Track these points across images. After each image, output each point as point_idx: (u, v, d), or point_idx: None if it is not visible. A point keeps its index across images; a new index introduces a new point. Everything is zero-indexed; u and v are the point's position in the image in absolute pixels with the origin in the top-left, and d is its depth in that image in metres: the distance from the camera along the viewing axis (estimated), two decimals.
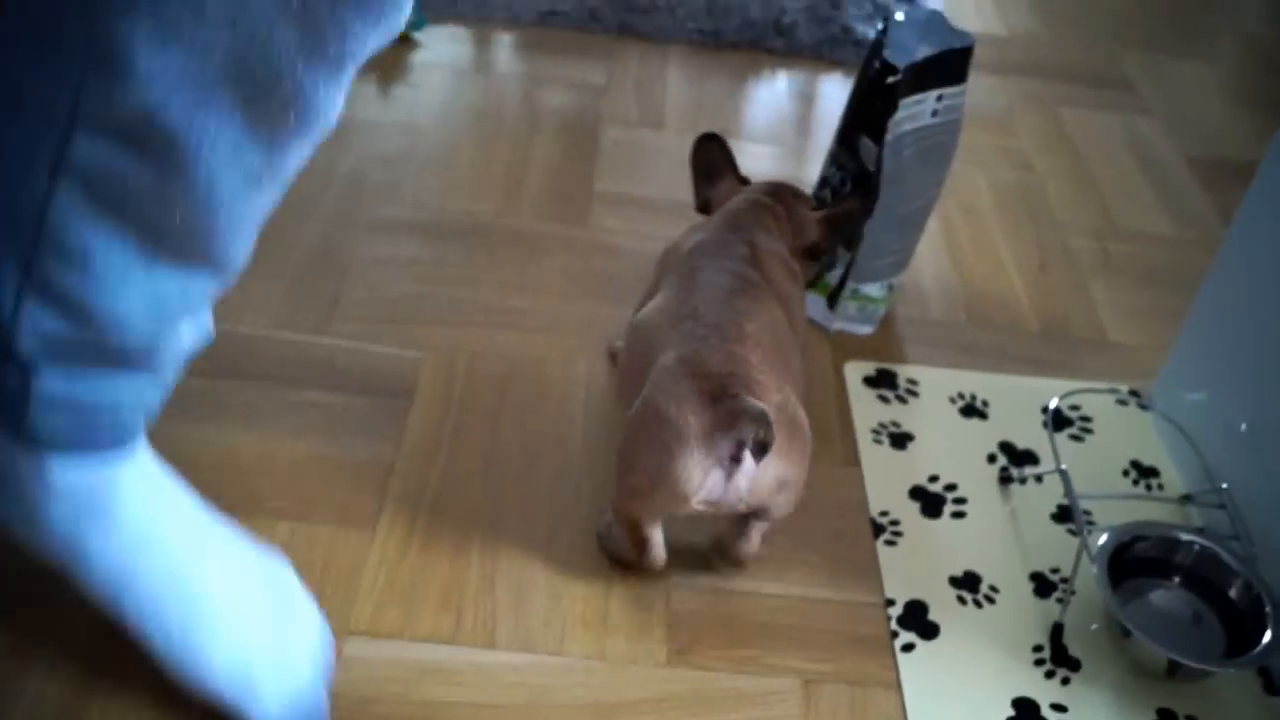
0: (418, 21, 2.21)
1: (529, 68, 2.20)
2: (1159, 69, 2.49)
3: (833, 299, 1.63)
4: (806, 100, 2.22)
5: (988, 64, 2.32)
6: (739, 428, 1.08)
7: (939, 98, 1.52)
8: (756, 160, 1.99)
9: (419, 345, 1.54)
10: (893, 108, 1.48)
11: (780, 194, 1.45)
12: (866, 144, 1.53)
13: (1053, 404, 1.51)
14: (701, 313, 1.21)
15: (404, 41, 2.20)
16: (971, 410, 1.55)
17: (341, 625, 1.18)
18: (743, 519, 1.23)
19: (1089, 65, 2.47)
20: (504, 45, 2.25)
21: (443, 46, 2.22)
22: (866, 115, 1.53)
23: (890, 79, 1.47)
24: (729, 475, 1.12)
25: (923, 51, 1.54)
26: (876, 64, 1.52)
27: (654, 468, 1.13)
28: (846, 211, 1.49)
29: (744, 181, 1.51)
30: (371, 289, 1.63)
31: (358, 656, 1.15)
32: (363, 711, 1.10)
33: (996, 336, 1.70)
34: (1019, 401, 1.57)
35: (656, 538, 1.21)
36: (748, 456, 1.11)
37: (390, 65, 2.13)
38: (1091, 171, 2.11)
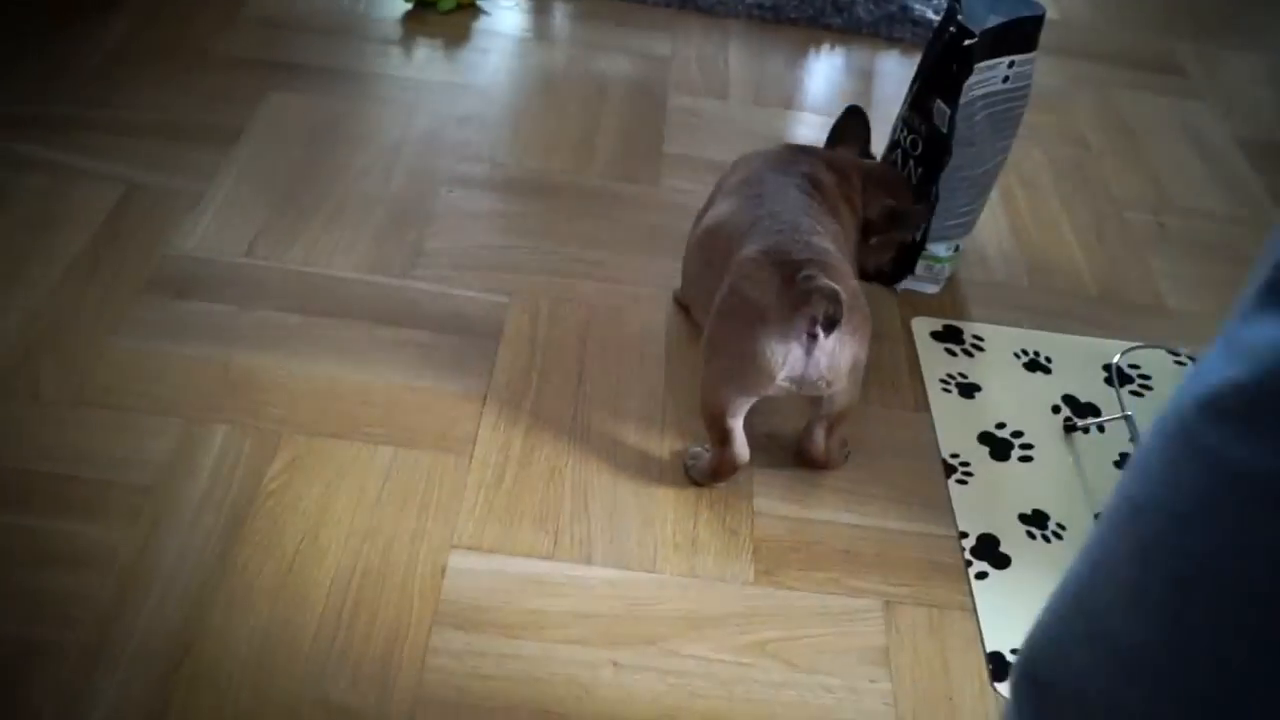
0: None
1: (592, 37, 2.26)
2: (1210, 57, 2.54)
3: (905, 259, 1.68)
4: (864, 76, 2.28)
5: (1043, 45, 2.36)
6: (812, 304, 1.16)
7: (1010, 64, 1.57)
8: (816, 130, 2.05)
9: (502, 290, 1.59)
10: (967, 71, 1.53)
11: (871, 172, 1.51)
12: (940, 107, 1.58)
13: (1115, 359, 1.56)
14: (778, 212, 1.29)
15: (469, 8, 2.26)
16: (1035, 365, 1.60)
17: (445, 540, 1.23)
18: (813, 422, 1.31)
19: (1142, 51, 2.52)
20: (564, 15, 2.30)
21: (503, 15, 2.27)
22: (941, 79, 1.58)
23: (967, 42, 1.52)
24: (808, 351, 1.19)
25: (995, 19, 1.60)
26: (951, 29, 1.57)
27: (739, 349, 1.21)
28: (905, 209, 1.53)
29: (869, 157, 1.57)
30: (454, 238, 1.69)
31: (464, 568, 1.21)
32: (473, 618, 1.16)
33: (1057, 299, 1.75)
34: (1081, 358, 1.62)
35: (739, 433, 1.28)
36: (823, 333, 1.17)
37: (454, 31, 2.19)
38: (1145, 151, 2.16)
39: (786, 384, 1.20)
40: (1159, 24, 2.64)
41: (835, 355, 1.19)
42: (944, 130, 1.58)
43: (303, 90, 1.96)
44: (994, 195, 1.88)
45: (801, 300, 1.16)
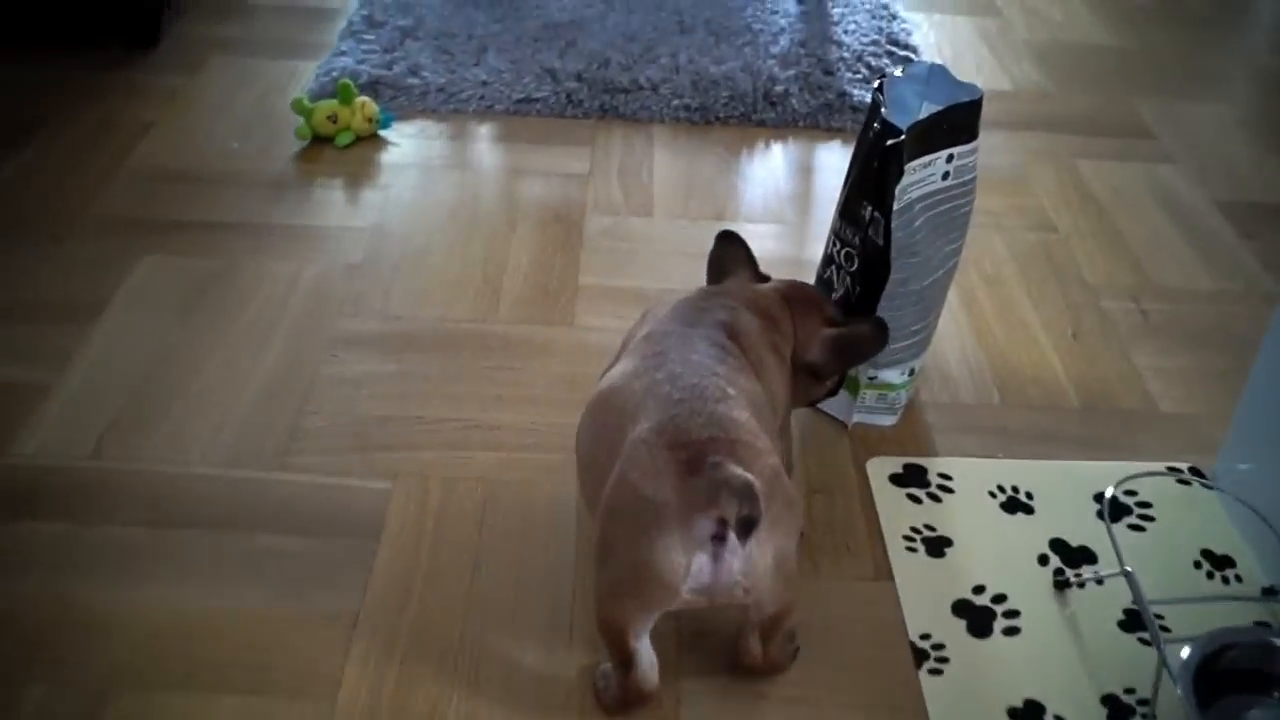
0: (384, 119, 2.08)
1: (506, 159, 2.06)
2: (1175, 114, 2.34)
3: (848, 387, 1.46)
4: (805, 173, 2.07)
5: (995, 120, 2.16)
6: (720, 502, 0.93)
7: (949, 158, 1.36)
8: (755, 241, 1.83)
9: (387, 474, 1.37)
10: (898, 174, 1.32)
11: (792, 298, 1.30)
12: (872, 214, 1.37)
13: (1108, 492, 1.33)
14: (679, 374, 1.07)
15: (371, 140, 2.06)
16: (1015, 505, 1.37)
17: None
18: (745, 628, 1.09)
19: (1102, 115, 2.32)
20: (479, 138, 2.11)
21: (412, 143, 2.08)
22: (869, 184, 1.37)
23: (891, 141, 1.31)
24: (716, 558, 0.96)
25: (930, 107, 1.39)
26: (876, 126, 1.36)
27: (632, 557, 0.98)
28: (856, 336, 1.32)
29: (762, 279, 1.36)
30: (334, 414, 1.47)
31: None
32: None
33: (1035, 416, 1.52)
34: (1068, 490, 1.39)
35: (646, 653, 1.05)
36: (733, 535, 0.94)
37: (352, 168, 1.99)
38: (1118, 226, 1.95)
39: (694, 598, 0.97)
40: (1117, 83, 2.45)
41: (752, 559, 0.97)
42: (879, 241, 1.36)
43: (181, 251, 1.76)
44: (953, 297, 1.67)
45: (707, 497, 0.95)
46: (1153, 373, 1.62)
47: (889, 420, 1.49)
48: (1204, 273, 1.85)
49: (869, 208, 1.37)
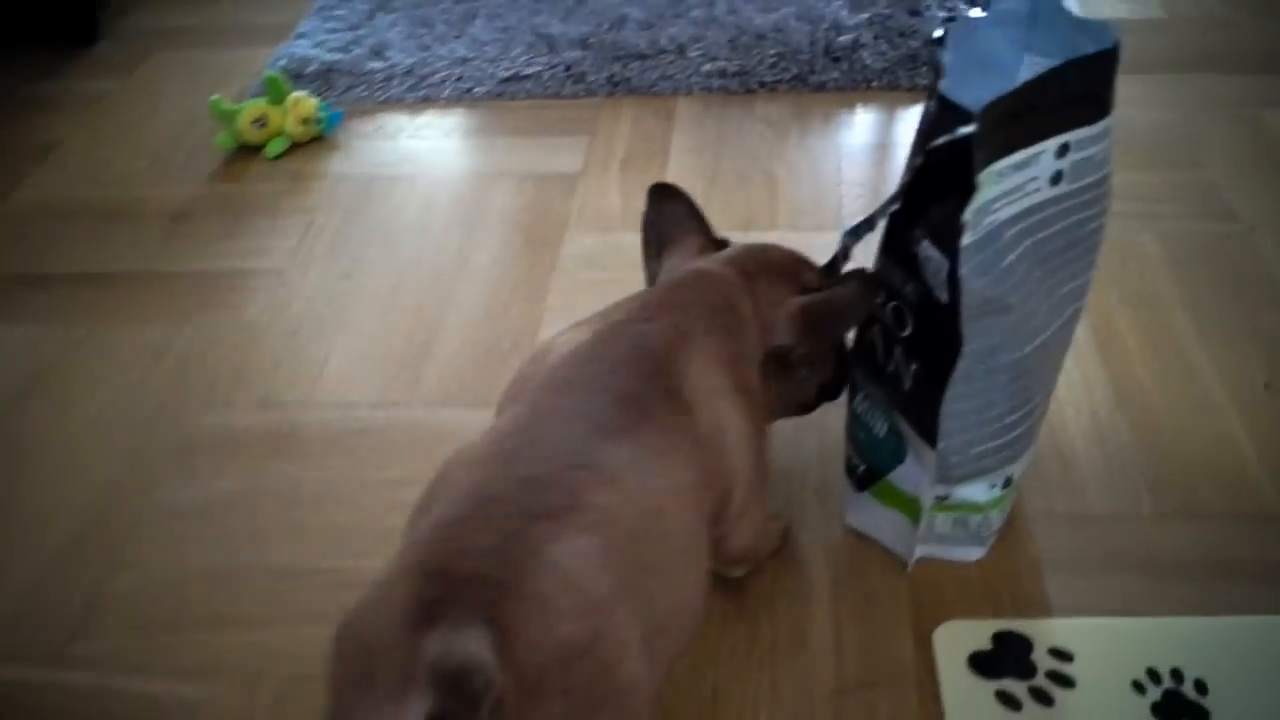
0: (328, 119, 1.60)
1: (477, 161, 1.57)
2: None
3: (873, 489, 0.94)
4: (880, 153, 1.52)
5: (1144, 61, 1.58)
6: (419, 680, 0.58)
7: (1062, 149, 0.82)
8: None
9: (201, 670, 0.91)
10: (967, 186, 0.78)
11: (752, 271, 0.90)
12: (927, 254, 0.83)
13: None
14: (523, 454, 0.71)
15: (311, 146, 1.60)
16: (1178, 706, 0.83)
17: None
18: None
19: None
20: (448, 133, 1.62)
21: (362, 148, 1.60)
22: (920, 203, 0.84)
23: (950, 136, 0.78)
24: None
25: (1031, 67, 0.85)
26: (931, 105, 0.83)
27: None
28: (831, 302, 0.89)
29: (719, 245, 0.95)
30: (154, 568, 1.02)
31: None
32: None
33: (1211, 533, 0.98)
34: (1272, 675, 0.84)
35: None
36: None
37: (284, 185, 1.54)
38: None
39: None
40: None
41: None
42: (940, 296, 0.83)
43: (36, 315, 1.34)
44: (1080, 334, 1.12)
45: (413, 667, 0.59)
46: None
47: (974, 553, 0.96)
48: None
49: (923, 240, 0.83)
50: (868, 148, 1.53)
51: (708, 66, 1.65)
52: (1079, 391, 1.11)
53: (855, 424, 0.97)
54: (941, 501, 0.92)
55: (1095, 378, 1.13)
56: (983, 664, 0.88)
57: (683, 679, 0.88)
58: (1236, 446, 1.05)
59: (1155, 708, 0.84)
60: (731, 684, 0.88)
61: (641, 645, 0.65)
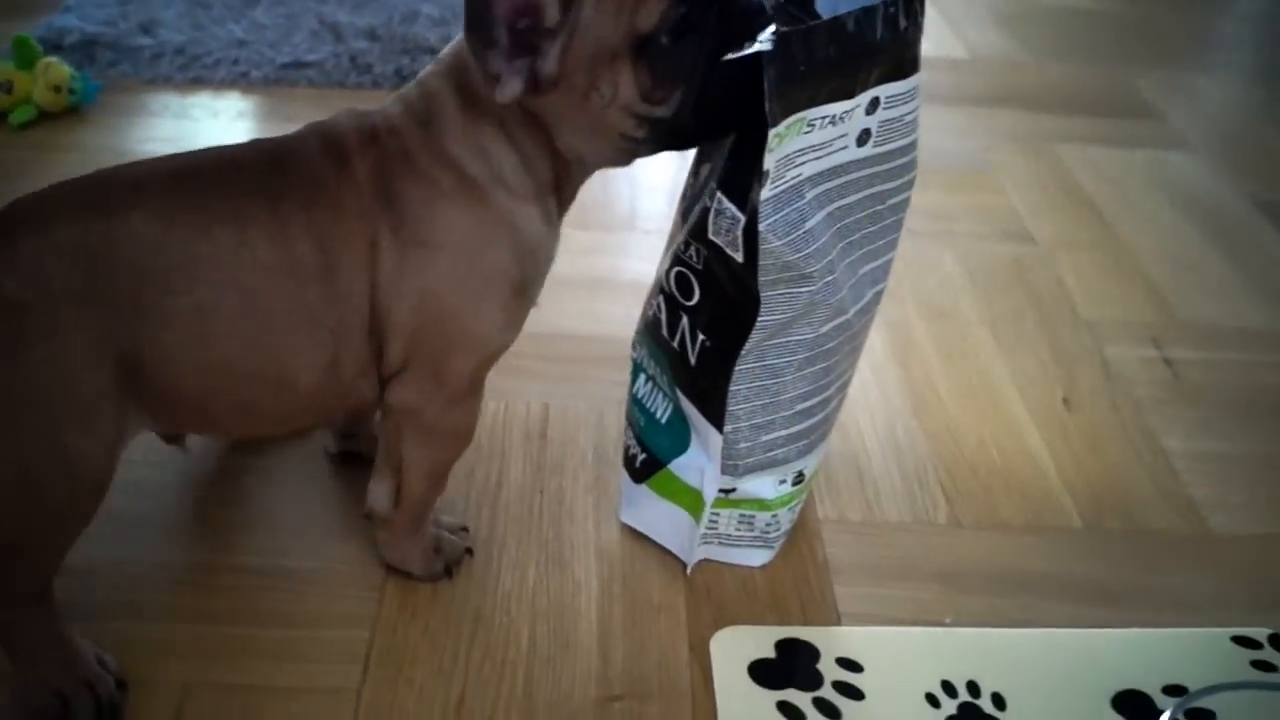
0: (84, 89, 1.45)
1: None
2: (1184, 87, 1.75)
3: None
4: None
5: (947, 94, 1.57)
6: None
7: (872, 104, 0.75)
8: (573, 255, 1.23)
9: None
10: (763, 124, 0.70)
11: None
12: (722, 205, 0.75)
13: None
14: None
15: (63, 118, 1.44)
16: (974, 718, 0.76)
17: None
18: None
19: (1089, 90, 1.72)
20: (219, 115, 1.49)
21: (121, 125, 1.45)
22: (717, 153, 0.76)
23: (750, 48, 0.70)
24: None
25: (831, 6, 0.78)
26: (714, 19, 0.76)
27: None
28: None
29: None
30: None
31: None
32: None
33: (1007, 546, 0.91)
34: (1066, 686, 0.79)
35: None
36: None
37: (28, 156, 1.37)
38: (1121, 235, 1.35)
39: None
40: (1106, 50, 1.85)
41: None
42: (736, 255, 0.75)
43: None
44: (876, 341, 1.06)
45: None
46: (1193, 465, 1.01)
47: (760, 558, 0.87)
48: (1252, 301, 1.25)
49: (717, 192, 0.75)
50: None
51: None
52: (876, 399, 1.05)
53: (636, 408, 0.88)
54: (727, 496, 0.83)
55: (894, 387, 1.07)
56: (764, 673, 0.79)
57: (426, 687, 0.77)
58: (1034, 460, 1.00)
59: None
60: (480, 691, 0.77)
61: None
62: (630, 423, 0.89)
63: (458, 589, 0.84)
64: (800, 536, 0.90)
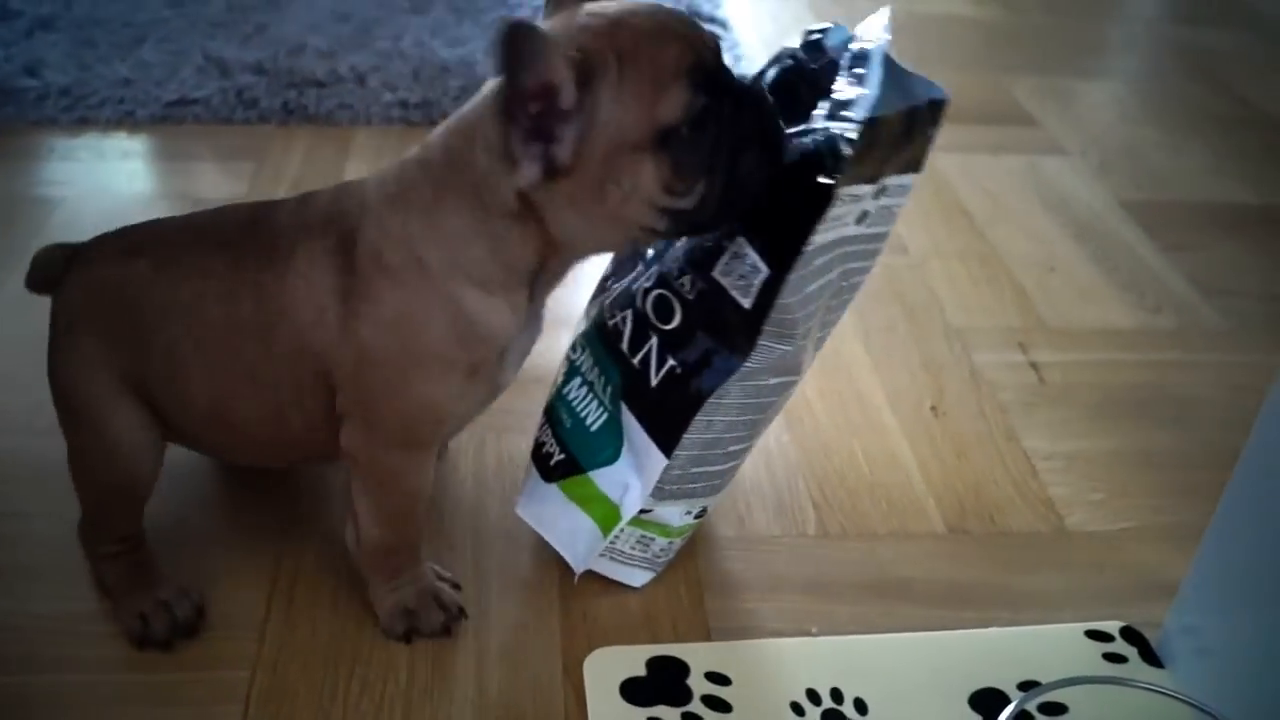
0: None
1: (131, 184, 1.44)
2: (1060, 94, 1.81)
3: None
4: None
5: None
6: None
7: (879, 191, 0.78)
8: None
9: None
10: (824, 196, 0.72)
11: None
12: (743, 250, 0.77)
13: (1007, 714, 0.75)
14: None
15: None
16: None
17: None
18: None
19: (968, 98, 1.77)
20: (101, 154, 1.48)
21: (5, 166, 1.45)
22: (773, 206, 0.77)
23: (838, 129, 0.72)
24: None
25: (863, 106, 0.79)
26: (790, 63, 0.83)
27: None
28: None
29: None
30: None
31: None
32: None
33: (873, 552, 0.95)
34: (929, 689, 0.82)
35: None
36: None
37: None
38: (993, 242, 1.39)
39: None
40: (985, 57, 1.91)
41: None
42: (744, 301, 0.77)
43: None
44: None
45: None
46: (1054, 465, 1.05)
47: (641, 578, 0.90)
48: (1118, 303, 1.30)
49: (739, 236, 0.77)
50: None
51: (388, 97, 1.58)
52: None
53: (563, 408, 0.88)
54: (642, 516, 0.85)
55: None
56: (635, 691, 0.81)
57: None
58: (902, 468, 1.04)
59: None
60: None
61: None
62: (552, 421, 0.89)
63: (335, 625, 0.85)
64: (679, 558, 0.92)
